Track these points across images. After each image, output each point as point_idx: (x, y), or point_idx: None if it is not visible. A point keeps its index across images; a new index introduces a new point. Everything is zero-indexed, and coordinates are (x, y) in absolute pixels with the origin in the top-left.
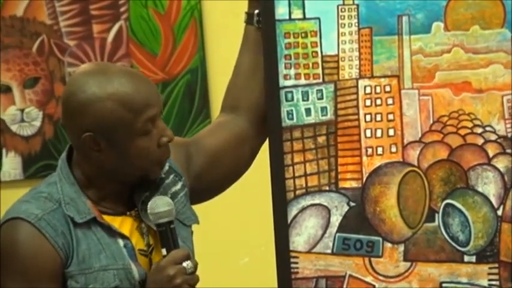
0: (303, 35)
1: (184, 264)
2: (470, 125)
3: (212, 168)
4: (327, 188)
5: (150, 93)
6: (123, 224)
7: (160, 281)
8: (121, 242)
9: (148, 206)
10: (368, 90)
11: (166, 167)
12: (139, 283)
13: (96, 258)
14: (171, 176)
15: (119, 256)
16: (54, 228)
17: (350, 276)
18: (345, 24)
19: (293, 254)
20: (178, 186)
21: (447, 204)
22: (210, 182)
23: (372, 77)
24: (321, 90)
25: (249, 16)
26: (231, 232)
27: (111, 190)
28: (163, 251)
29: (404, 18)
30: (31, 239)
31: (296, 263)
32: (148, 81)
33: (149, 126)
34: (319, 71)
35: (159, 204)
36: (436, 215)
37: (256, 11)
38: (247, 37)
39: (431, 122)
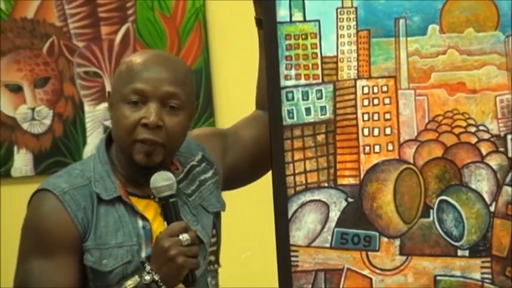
0: (303, 36)
1: (181, 236)
2: (464, 124)
3: (247, 158)
4: (326, 185)
5: (154, 71)
6: (148, 207)
7: (156, 253)
8: (140, 222)
9: (151, 180)
10: (366, 90)
11: (200, 156)
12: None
13: (113, 235)
14: (203, 164)
15: (134, 235)
16: (77, 203)
17: (348, 269)
18: (343, 27)
19: (293, 248)
20: (209, 174)
21: (442, 201)
22: (244, 170)
23: (370, 77)
24: (321, 90)
25: (259, 21)
26: (234, 227)
27: (134, 171)
28: (165, 224)
29: (401, 21)
30: (53, 211)
31: (296, 256)
32: (167, 66)
33: (133, 97)
34: (319, 71)
35: (159, 179)
36: (431, 210)
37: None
38: (263, 41)
39: (426, 121)
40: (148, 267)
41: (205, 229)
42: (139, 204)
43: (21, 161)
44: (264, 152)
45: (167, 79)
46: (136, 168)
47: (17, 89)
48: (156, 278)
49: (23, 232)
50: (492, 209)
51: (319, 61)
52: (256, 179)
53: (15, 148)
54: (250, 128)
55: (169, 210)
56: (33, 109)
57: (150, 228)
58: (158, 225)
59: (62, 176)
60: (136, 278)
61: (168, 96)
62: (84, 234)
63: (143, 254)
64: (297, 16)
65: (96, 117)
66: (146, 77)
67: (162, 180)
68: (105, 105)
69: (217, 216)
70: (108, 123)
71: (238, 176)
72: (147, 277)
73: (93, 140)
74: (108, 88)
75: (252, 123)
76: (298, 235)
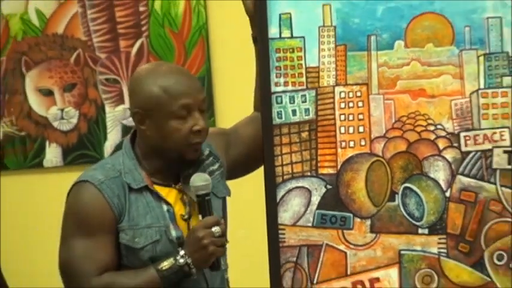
0: (290, 50)
1: (213, 229)
2: (424, 123)
3: (246, 153)
4: (309, 174)
5: (188, 86)
6: (170, 194)
7: (192, 242)
8: (165, 206)
9: (190, 180)
10: (343, 95)
11: (207, 151)
12: (176, 240)
13: (143, 218)
14: (211, 158)
15: (161, 217)
16: (112, 191)
17: (327, 244)
18: (324, 42)
19: (281, 227)
20: (216, 166)
21: (405, 187)
22: (244, 163)
23: (346, 84)
24: (305, 95)
25: (255, 39)
26: (230, 209)
27: (160, 165)
28: (200, 217)
29: (373, 37)
30: (93, 198)
31: (283, 234)
32: (192, 78)
33: (183, 112)
34: (304, 79)
35: (198, 180)
36: (396, 196)
37: None
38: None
39: (393, 121)
40: (182, 252)
41: (216, 212)
42: (163, 191)
43: (52, 154)
44: (259, 147)
45: (198, 89)
46: (168, 163)
47: (48, 93)
48: (189, 261)
49: (66, 217)
50: (447, 194)
51: (303, 71)
52: (253, 170)
53: (47, 143)
54: (249, 128)
55: (204, 206)
56: (62, 110)
57: (173, 211)
58: (179, 209)
59: (97, 169)
60: (171, 260)
61: (201, 103)
62: (119, 216)
63: (173, 234)
64: (286, 33)
65: (115, 117)
66: (187, 92)
67: (201, 180)
68: (123, 106)
69: (224, 201)
70: (125, 122)
71: (239, 168)
72: (181, 260)
73: (113, 136)
74: (125, 92)
75: (250, 123)
76: (285, 216)
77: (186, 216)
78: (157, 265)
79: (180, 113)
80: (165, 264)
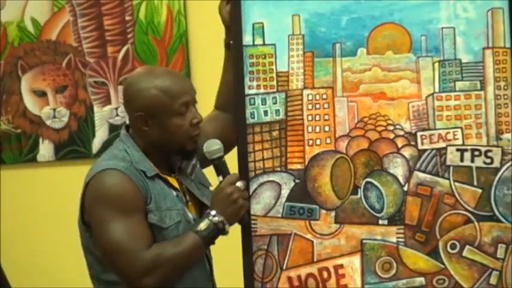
0: (262, 56)
1: (238, 184)
2: (384, 124)
3: None
4: (279, 169)
5: (184, 85)
6: (173, 182)
7: (222, 198)
8: (174, 192)
9: (204, 146)
10: (310, 97)
11: None
12: (193, 221)
13: (163, 201)
14: None
15: (176, 201)
16: (135, 176)
17: (295, 234)
18: (293, 49)
19: (253, 217)
20: (195, 160)
21: (367, 182)
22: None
23: (313, 87)
24: (276, 97)
25: (228, 44)
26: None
27: (158, 158)
28: (220, 178)
29: (338, 45)
30: (125, 182)
31: (255, 224)
32: (184, 78)
33: (183, 109)
34: (274, 83)
35: (212, 144)
36: (359, 189)
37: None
38: (228, 59)
39: (356, 121)
40: (213, 212)
41: (208, 199)
42: (168, 178)
43: (45, 149)
44: (222, 141)
45: (191, 86)
46: (164, 156)
47: (42, 94)
48: (222, 218)
49: (99, 204)
50: (405, 188)
51: (274, 75)
52: None
53: (40, 139)
54: (212, 125)
55: (222, 166)
56: (54, 109)
57: (182, 196)
58: (182, 195)
59: (112, 159)
60: (206, 221)
61: (194, 98)
62: (146, 198)
63: (189, 215)
64: (258, 41)
65: (102, 116)
66: (184, 90)
67: (214, 144)
68: (110, 106)
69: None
70: (112, 121)
71: (205, 160)
72: (216, 218)
73: (100, 133)
74: (112, 94)
75: (213, 121)
76: (257, 207)
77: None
78: (195, 228)
79: (180, 110)
80: (202, 225)
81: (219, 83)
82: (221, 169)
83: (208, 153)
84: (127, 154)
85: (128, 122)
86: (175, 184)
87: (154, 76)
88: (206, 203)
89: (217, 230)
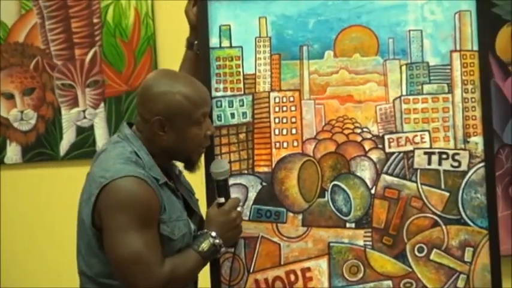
0: (229, 59)
1: (239, 208)
2: (352, 126)
3: None
4: (246, 172)
5: (205, 94)
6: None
7: (226, 222)
8: (179, 201)
9: (212, 166)
10: (277, 100)
11: None
12: (193, 231)
13: (172, 210)
14: None
15: (182, 211)
16: (154, 184)
17: (262, 237)
18: (260, 51)
19: None
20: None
21: (334, 185)
22: None
23: (280, 90)
24: (242, 99)
25: (190, 44)
26: None
27: (164, 164)
28: (222, 200)
29: (305, 48)
30: (146, 191)
31: None
32: (204, 87)
33: (202, 119)
34: (241, 85)
35: (222, 166)
36: (326, 192)
37: (196, 42)
38: (188, 59)
39: (323, 124)
40: (214, 233)
41: (195, 207)
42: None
43: (12, 152)
44: None
45: (209, 97)
46: (165, 163)
47: (10, 97)
48: (221, 241)
49: (120, 212)
50: (373, 191)
51: (241, 77)
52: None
53: (8, 142)
54: None
55: (226, 188)
56: (22, 112)
57: (182, 204)
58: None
59: (130, 164)
60: (208, 242)
61: (210, 110)
62: (160, 207)
63: (192, 226)
64: (225, 43)
65: (70, 118)
66: (206, 100)
67: (224, 166)
68: (77, 109)
69: None
70: (79, 123)
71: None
72: (217, 241)
73: (68, 136)
74: (79, 96)
75: None
76: None
77: None
78: (197, 248)
79: (200, 120)
80: (204, 246)
81: None
82: (224, 191)
83: (216, 174)
84: (138, 158)
85: (134, 121)
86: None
87: (177, 81)
88: (197, 211)
89: (216, 252)
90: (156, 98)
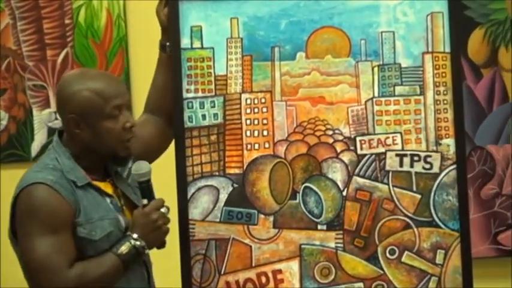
0: (201, 60)
1: (162, 209)
2: (323, 128)
3: (144, 151)
4: (217, 174)
5: (117, 87)
6: (107, 187)
7: (146, 224)
8: (108, 199)
9: (133, 167)
10: (248, 101)
11: None
12: (125, 229)
13: (94, 211)
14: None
15: (108, 210)
16: (65, 189)
17: (233, 239)
18: (232, 52)
19: (191, 222)
20: (131, 163)
21: (306, 187)
22: (143, 158)
23: (252, 91)
24: (214, 101)
25: (163, 46)
26: None
27: (93, 162)
28: (145, 201)
29: (276, 49)
30: (53, 197)
31: (193, 228)
32: (118, 80)
33: (116, 112)
34: (213, 86)
35: (141, 167)
36: (298, 194)
37: (168, 43)
38: (162, 61)
39: (295, 125)
40: (135, 235)
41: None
42: (100, 185)
43: None
44: (154, 146)
45: (125, 89)
46: (100, 160)
47: None
48: (143, 243)
49: (26, 219)
50: (344, 193)
51: (213, 79)
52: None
53: None
54: (147, 128)
55: (149, 190)
56: None
57: (117, 202)
58: (117, 200)
59: (42, 171)
60: (128, 244)
61: (128, 102)
62: (75, 211)
63: (123, 224)
64: (196, 44)
65: (41, 119)
66: (117, 93)
67: (145, 167)
68: (49, 110)
69: None
70: (51, 124)
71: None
72: (138, 243)
73: (39, 137)
74: (51, 97)
75: (147, 124)
76: (195, 212)
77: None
78: (115, 251)
79: (113, 114)
80: (124, 249)
81: (151, 85)
82: (147, 193)
83: (137, 175)
84: (58, 163)
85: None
86: (109, 190)
87: (87, 78)
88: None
89: (138, 254)
90: (68, 97)
